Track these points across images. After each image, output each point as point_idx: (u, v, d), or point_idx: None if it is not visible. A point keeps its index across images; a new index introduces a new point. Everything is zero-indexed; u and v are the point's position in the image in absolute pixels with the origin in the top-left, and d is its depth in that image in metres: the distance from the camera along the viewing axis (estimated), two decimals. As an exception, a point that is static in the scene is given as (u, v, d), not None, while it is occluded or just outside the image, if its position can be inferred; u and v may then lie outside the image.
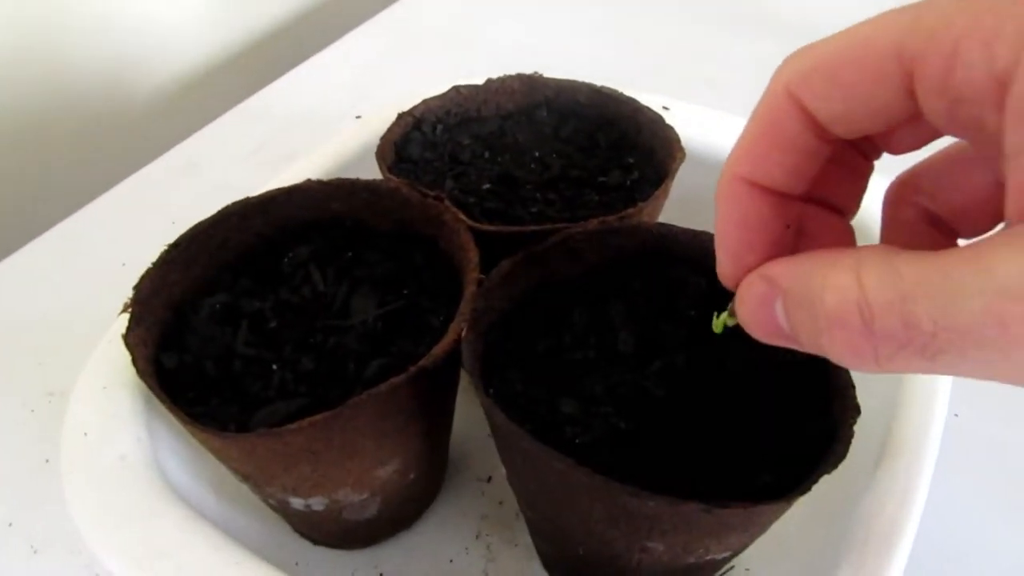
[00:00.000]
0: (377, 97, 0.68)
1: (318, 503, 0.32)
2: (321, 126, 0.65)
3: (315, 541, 0.37)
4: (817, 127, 0.18)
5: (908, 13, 0.16)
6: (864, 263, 0.16)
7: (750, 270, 0.20)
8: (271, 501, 0.33)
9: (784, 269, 0.19)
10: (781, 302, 0.19)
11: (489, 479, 0.40)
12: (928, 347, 0.15)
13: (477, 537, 0.38)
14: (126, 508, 0.30)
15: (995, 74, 0.15)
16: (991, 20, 0.15)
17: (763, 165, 0.19)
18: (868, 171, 0.22)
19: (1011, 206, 0.15)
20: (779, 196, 0.20)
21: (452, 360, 0.30)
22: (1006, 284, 0.14)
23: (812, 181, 0.20)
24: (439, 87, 0.44)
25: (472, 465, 0.41)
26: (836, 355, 0.17)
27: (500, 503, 0.39)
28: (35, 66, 0.61)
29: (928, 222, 0.21)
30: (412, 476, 0.34)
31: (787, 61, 0.18)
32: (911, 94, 0.16)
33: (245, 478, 0.31)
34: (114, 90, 0.68)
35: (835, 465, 0.25)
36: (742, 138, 0.20)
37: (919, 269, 0.15)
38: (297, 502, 0.32)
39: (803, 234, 0.21)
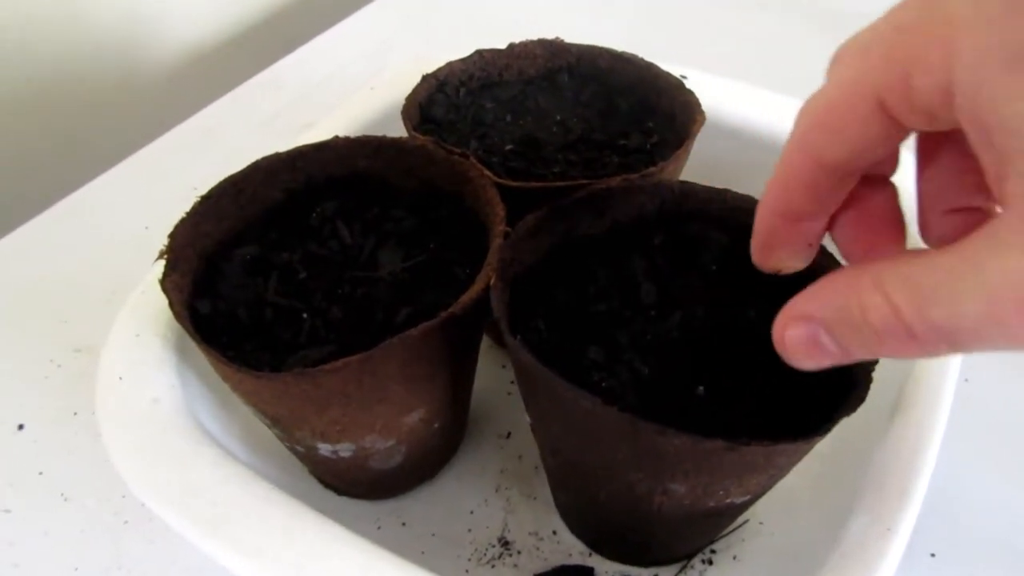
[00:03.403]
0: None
1: (346, 449, 0.33)
2: (336, 97, 0.66)
3: (339, 491, 0.38)
4: (834, 169, 0.21)
5: (861, 55, 0.20)
6: (886, 281, 0.19)
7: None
8: (299, 448, 0.34)
9: (816, 306, 0.21)
10: (825, 334, 0.21)
11: (508, 435, 0.41)
12: (955, 343, 0.18)
13: (497, 490, 0.39)
14: (160, 448, 0.31)
15: (941, 88, 0.18)
16: (921, 48, 0.18)
17: (792, 204, 0.23)
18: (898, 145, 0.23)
19: (999, 191, 0.18)
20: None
21: (479, 310, 0.31)
22: (994, 284, 0.16)
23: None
24: (460, 55, 0.44)
25: (492, 422, 0.42)
26: (890, 355, 0.20)
27: (519, 458, 0.40)
28: (56, 34, 0.62)
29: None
30: (436, 426, 0.35)
31: (796, 120, 0.21)
32: (893, 120, 0.19)
33: (275, 422, 0.32)
34: (133, 59, 0.69)
35: (854, 408, 0.26)
36: (772, 185, 0.23)
37: (931, 279, 0.18)
38: (325, 448, 0.33)
39: (855, 198, 0.23)
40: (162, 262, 0.31)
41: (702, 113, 0.39)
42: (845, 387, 0.28)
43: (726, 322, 0.31)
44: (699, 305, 0.31)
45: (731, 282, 0.32)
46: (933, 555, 0.36)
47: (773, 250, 0.25)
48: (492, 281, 0.30)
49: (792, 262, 0.25)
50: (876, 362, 0.27)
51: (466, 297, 0.30)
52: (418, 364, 0.30)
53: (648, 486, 0.28)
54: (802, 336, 0.22)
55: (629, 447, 0.26)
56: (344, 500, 0.38)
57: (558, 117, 0.42)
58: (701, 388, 0.29)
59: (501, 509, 0.38)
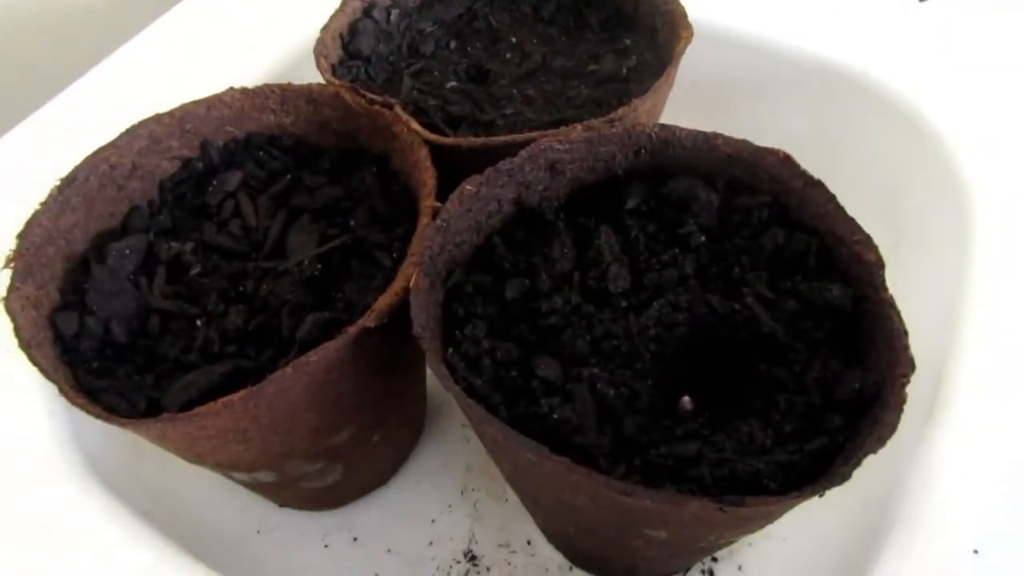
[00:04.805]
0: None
1: (266, 476, 0.28)
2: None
3: (279, 503, 0.33)
4: None
5: None
6: None
7: None
8: (216, 471, 0.29)
9: None
10: None
11: (475, 423, 0.35)
12: None
13: (462, 492, 0.34)
14: (31, 495, 0.25)
15: None
16: None
17: None
18: None
19: None
20: None
21: (405, 309, 0.24)
22: None
23: None
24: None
25: (455, 409, 0.36)
26: None
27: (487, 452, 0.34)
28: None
29: None
30: (376, 438, 0.29)
31: None
32: None
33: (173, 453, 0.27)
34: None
35: (882, 441, 0.20)
36: None
37: None
38: (240, 476, 0.28)
39: None
40: (9, 272, 0.25)
41: (688, 27, 0.31)
42: (869, 403, 0.21)
43: (718, 314, 0.24)
44: (684, 291, 0.25)
45: (725, 258, 0.25)
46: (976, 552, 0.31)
47: None
48: (413, 280, 0.23)
49: None
50: (911, 371, 0.21)
51: (382, 302, 0.23)
52: (330, 386, 0.24)
53: (621, 532, 0.23)
54: None
55: (590, 501, 0.21)
56: (285, 512, 0.33)
57: (514, 40, 0.35)
58: (687, 399, 0.23)
59: (467, 516, 0.33)
